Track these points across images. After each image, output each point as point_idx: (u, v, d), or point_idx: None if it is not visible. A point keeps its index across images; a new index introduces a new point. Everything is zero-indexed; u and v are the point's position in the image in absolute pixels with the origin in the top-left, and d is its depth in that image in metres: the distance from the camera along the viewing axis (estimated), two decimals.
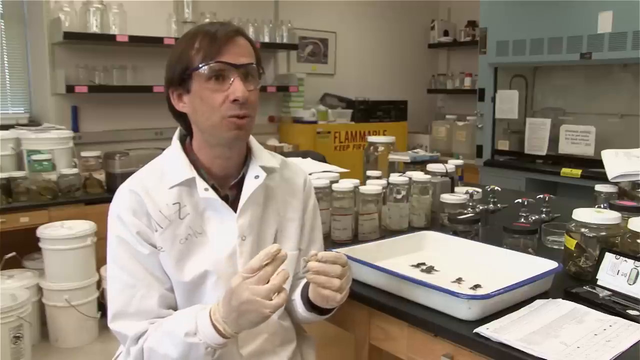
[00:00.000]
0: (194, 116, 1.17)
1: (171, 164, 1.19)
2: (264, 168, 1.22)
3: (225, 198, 1.19)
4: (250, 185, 1.20)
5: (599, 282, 1.27)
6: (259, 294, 0.99)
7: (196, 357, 1.05)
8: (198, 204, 1.17)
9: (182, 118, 1.21)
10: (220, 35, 1.11)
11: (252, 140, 1.26)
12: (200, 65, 1.11)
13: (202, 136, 1.18)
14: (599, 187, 1.86)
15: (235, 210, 1.18)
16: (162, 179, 1.17)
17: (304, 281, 1.23)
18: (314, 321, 1.27)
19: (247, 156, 1.24)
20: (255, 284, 0.99)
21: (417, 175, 1.84)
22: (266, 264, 1.00)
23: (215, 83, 1.12)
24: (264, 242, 1.22)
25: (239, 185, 1.21)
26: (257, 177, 1.20)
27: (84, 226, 2.86)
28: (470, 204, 1.77)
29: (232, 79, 1.12)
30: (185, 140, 1.24)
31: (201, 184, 1.16)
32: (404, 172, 1.93)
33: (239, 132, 1.14)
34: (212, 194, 1.16)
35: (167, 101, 1.20)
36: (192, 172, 1.17)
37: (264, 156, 1.25)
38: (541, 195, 1.87)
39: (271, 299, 0.99)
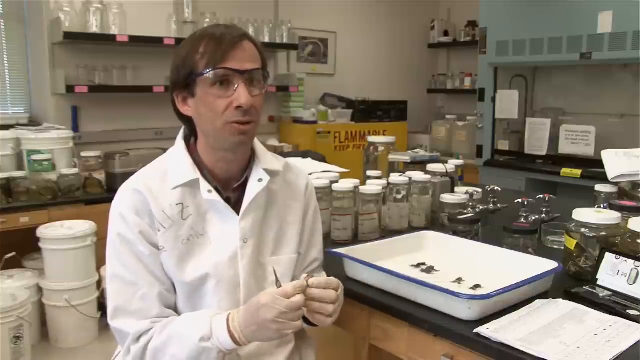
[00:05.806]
0: (199, 120, 1.17)
1: (175, 164, 1.19)
2: (267, 171, 1.22)
3: (227, 200, 1.19)
4: (254, 188, 1.19)
5: (599, 282, 1.27)
6: (287, 317, 1.03)
7: None
8: (201, 206, 1.17)
9: (187, 120, 1.21)
10: (226, 39, 1.11)
11: (257, 143, 1.25)
12: (204, 72, 1.10)
13: (206, 139, 1.18)
14: (599, 187, 1.86)
15: (237, 212, 1.18)
16: (165, 179, 1.17)
17: None
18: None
19: (250, 159, 1.23)
20: (286, 307, 1.03)
21: (417, 175, 1.84)
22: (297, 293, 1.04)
23: (220, 88, 1.11)
24: (264, 245, 1.22)
25: (242, 188, 1.20)
26: (260, 180, 1.20)
27: (84, 226, 2.86)
28: (470, 204, 1.77)
29: (236, 85, 1.11)
30: (189, 141, 1.24)
31: (205, 185, 1.16)
32: (404, 172, 1.93)
33: (242, 137, 1.14)
34: (215, 196, 1.16)
35: (172, 104, 1.20)
36: (196, 174, 1.17)
37: (267, 159, 1.25)
38: (541, 195, 1.87)
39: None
